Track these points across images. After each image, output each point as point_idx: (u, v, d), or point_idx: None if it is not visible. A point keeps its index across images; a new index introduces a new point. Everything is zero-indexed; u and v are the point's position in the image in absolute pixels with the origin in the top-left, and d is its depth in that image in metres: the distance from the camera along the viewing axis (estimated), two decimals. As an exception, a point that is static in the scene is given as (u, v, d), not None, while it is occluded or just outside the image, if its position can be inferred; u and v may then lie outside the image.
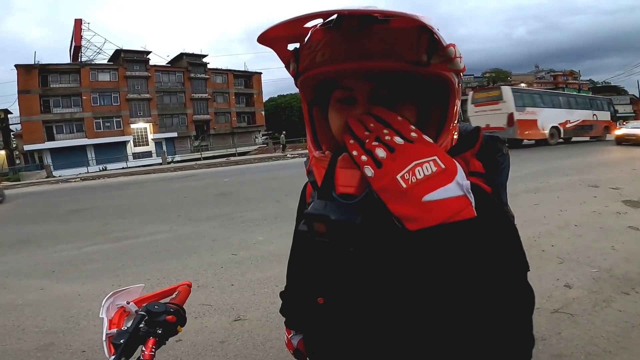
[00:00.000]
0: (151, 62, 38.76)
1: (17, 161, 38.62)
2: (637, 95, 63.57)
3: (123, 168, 28.55)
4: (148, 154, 35.99)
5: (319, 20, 0.52)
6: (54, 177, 24.58)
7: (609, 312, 2.53)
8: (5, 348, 2.58)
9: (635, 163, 9.98)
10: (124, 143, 35.99)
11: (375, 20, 0.48)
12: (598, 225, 4.55)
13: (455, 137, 0.60)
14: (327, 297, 0.66)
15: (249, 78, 46.36)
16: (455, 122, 0.58)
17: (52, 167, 27.64)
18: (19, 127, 36.04)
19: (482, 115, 14.54)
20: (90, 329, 2.76)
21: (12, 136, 40.43)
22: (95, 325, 2.80)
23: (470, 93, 15.89)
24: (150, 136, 37.81)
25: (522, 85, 64.43)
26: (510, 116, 13.63)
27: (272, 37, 0.55)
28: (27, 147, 32.52)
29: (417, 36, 0.47)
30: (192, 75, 40.72)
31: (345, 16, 0.50)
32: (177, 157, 34.30)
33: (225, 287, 3.36)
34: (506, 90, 14.29)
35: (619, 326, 2.35)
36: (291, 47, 0.59)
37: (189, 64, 40.83)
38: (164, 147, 36.31)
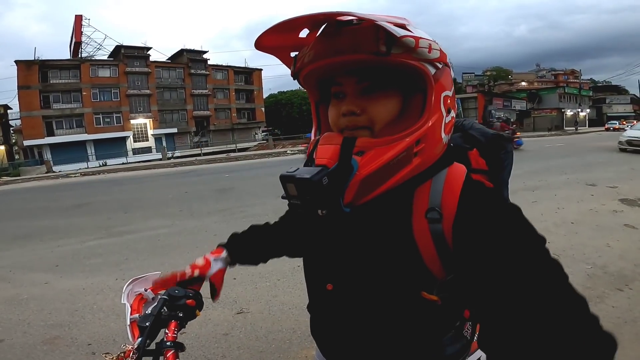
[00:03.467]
0: (151, 58, 38.64)
1: (17, 156, 38.51)
2: (638, 95, 63.59)
3: (123, 163, 28.53)
4: (148, 150, 35.98)
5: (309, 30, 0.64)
6: (54, 172, 24.57)
7: (602, 308, 2.59)
8: (12, 342, 2.63)
9: (633, 162, 10.04)
10: (124, 139, 35.95)
11: (349, 23, 0.57)
12: (594, 223, 4.61)
13: (445, 128, 0.64)
14: (336, 284, 0.72)
15: (250, 74, 46.25)
16: (443, 112, 0.62)
17: (52, 162, 27.60)
18: (18, 122, 35.98)
19: None
20: (96, 322, 2.81)
21: (12, 131, 40.36)
22: (101, 319, 2.86)
23: None
24: (150, 132, 37.75)
25: (523, 83, 64.48)
26: None
27: (272, 47, 0.67)
28: (26, 143, 32.48)
29: (376, 31, 0.55)
30: (192, 71, 40.59)
31: (328, 22, 0.58)
32: (177, 153, 34.25)
33: (227, 281, 3.35)
34: None
35: (611, 322, 2.40)
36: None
37: (189, 60, 40.68)
38: (164, 143, 36.26)
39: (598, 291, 2.83)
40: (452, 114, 0.66)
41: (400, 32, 0.53)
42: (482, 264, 0.53)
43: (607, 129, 37.67)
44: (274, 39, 0.64)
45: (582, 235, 4.17)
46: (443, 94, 0.62)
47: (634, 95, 63.55)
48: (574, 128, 41.17)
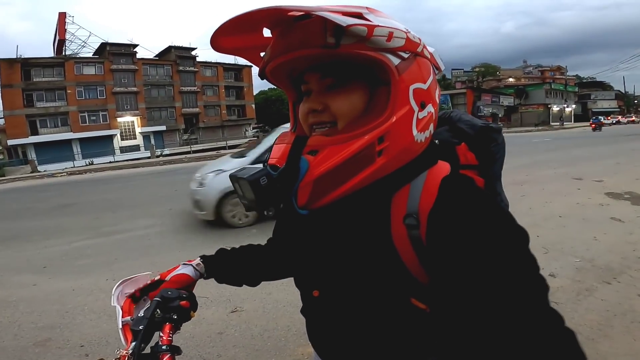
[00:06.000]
0: (138, 56, 38.08)
1: (1, 156, 37.77)
2: (622, 91, 65.05)
3: (110, 162, 28.10)
4: (136, 148, 35.51)
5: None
6: (39, 171, 24.07)
7: (592, 300, 2.64)
8: (3, 345, 2.58)
9: (619, 157, 10.26)
10: (111, 137, 35.44)
11: (304, 17, 0.54)
12: (581, 216, 4.71)
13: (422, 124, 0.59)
14: (321, 290, 0.69)
15: (239, 71, 45.89)
16: (414, 107, 0.57)
17: (36, 161, 27.02)
18: (2, 122, 35.20)
19: None
20: (87, 324, 2.77)
21: (-5, 131, 39.50)
22: (92, 320, 2.82)
23: None
24: (138, 130, 37.27)
25: (511, 80, 65.31)
26: None
27: (233, 48, 0.63)
28: (10, 142, 31.83)
29: (323, 23, 0.52)
30: (180, 68, 40.13)
31: (282, 19, 0.55)
32: (166, 151, 33.90)
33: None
34: None
35: (601, 314, 2.45)
36: None
37: (177, 57, 40.21)
38: (152, 141, 35.84)
39: (587, 284, 2.88)
40: (430, 109, 0.60)
41: (348, 21, 0.49)
42: (451, 265, 0.50)
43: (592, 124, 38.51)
44: (233, 41, 0.61)
45: (570, 229, 4.25)
46: (413, 87, 0.57)
47: (619, 91, 64.98)
48: (559, 123, 41.92)
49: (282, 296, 2.94)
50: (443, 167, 0.61)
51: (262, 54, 0.64)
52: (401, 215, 0.57)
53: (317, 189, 0.56)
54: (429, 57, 0.62)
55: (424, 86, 0.59)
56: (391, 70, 0.55)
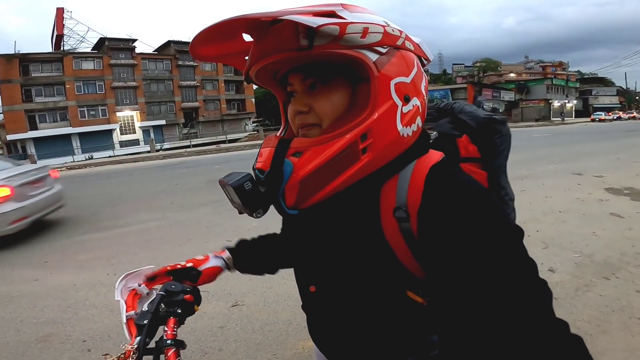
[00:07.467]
0: (137, 50, 37.96)
1: (0, 151, 37.74)
2: (624, 87, 64.89)
3: (110, 156, 28.06)
4: (135, 142, 35.54)
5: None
6: (39, 166, 24.06)
7: (590, 296, 2.64)
8: (6, 340, 2.58)
9: (620, 152, 10.25)
10: (110, 131, 35.44)
11: (278, 21, 0.53)
12: (581, 211, 4.71)
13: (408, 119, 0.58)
14: (318, 285, 0.70)
15: (238, 66, 45.80)
16: (397, 101, 0.57)
17: (36, 156, 26.99)
18: (0, 117, 35.16)
19: None
20: (89, 319, 2.78)
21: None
22: (94, 315, 2.83)
23: None
24: (138, 124, 37.24)
25: (512, 75, 65.08)
26: None
27: (215, 56, 0.65)
28: (9, 137, 31.81)
29: (294, 26, 0.52)
30: (180, 62, 40.01)
31: (257, 24, 0.55)
32: (166, 145, 33.85)
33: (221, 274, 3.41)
34: None
35: (599, 310, 2.45)
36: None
37: (176, 51, 40.03)
38: (152, 135, 35.84)
39: (586, 280, 2.89)
40: (415, 102, 0.59)
41: (318, 22, 0.48)
42: (443, 262, 0.50)
43: (593, 120, 38.69)
44: (213, 49, 0.62)
45: (570, 224, 4.25)
46: (394, 81, 0.56)
47: (620, 87, 64.76)
48: (560, 118, 41.86)
49: (282, 290, 2.96)
50: (432, 157, 0.60)
51: (246, 58, 0.64)
52: (391, 208, 0.57)
53: (304, 189, 0.56)
54: (413, 48, 0.61)
55: (407, 79, 0.58)
56: (369, 67, 0.55)
